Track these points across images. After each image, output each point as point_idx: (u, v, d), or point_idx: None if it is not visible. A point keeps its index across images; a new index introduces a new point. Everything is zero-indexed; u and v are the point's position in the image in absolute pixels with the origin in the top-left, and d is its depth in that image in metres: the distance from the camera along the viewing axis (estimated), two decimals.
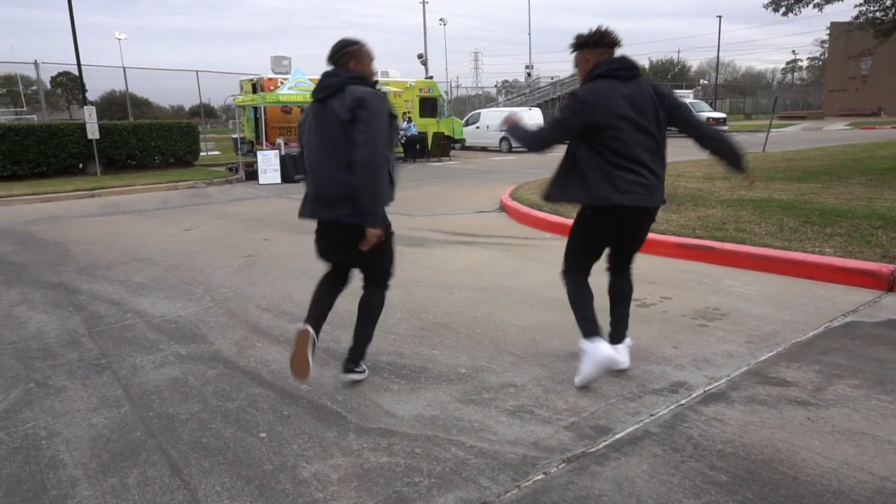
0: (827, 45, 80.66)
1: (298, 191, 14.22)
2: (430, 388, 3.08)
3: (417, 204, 10.13)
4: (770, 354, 3.31)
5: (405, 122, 19.71)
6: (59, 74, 61.69)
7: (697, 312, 4.07)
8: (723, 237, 5.63)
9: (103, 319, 4.42)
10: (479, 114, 25.76)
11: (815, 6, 11.55)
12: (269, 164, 14.81)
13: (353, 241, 2.86)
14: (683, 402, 2.81)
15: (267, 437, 2.64)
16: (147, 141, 17.43)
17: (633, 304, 3.39)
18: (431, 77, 26.69)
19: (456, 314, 4.24)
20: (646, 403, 2.81)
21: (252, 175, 15.29)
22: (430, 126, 21.20)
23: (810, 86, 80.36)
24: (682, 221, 6.42)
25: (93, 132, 16.17)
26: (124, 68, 21.56)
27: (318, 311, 3.10)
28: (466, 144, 24.84)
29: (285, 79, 16.55)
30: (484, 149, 25.05)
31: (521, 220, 7.69)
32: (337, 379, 3.21)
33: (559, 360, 3.37)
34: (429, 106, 21.54)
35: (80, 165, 16.74)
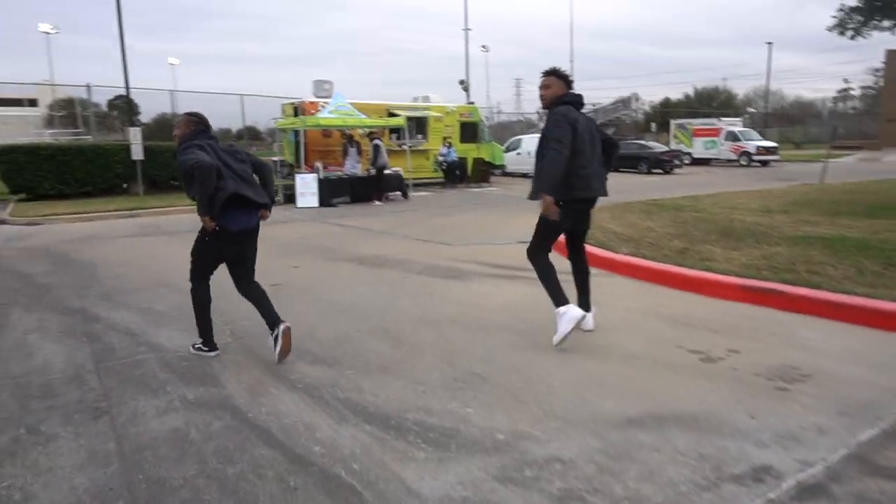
0: (881, 74, 78.54)
1: (335, 215, 14.15)
2: (461, 458, 2.63)
3: (456, 232, 9.75)
4: (873, 433, 2.75)
5: (445, 148, 19.48)
6: (116, 97, 64.37)
7: (773, 371, 3.52)
8: (794, 280, 5.04)
9: (114, 353, 4.13)
10: (521, 140, 25.41)
11: (890, 29, 10.82)
12: (307, 187, 14.70)
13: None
14: (773, 496, 2.28)
15: None
16: None
17: (696, 357, 3.60)
18: (473, 102, 26.54)
19: (494, 361, 3.79)
20: (725, 496, 2.29)
21: (290, 198, 15.20)
22: (471, 151, 20.92)
23: (864, 115, 77.87)
24: (744, 260, 5.84)
25: (137, 153, 16.42)
26: (171, 91, 22.13)
27: None
28: (507, 170, 24.49)
29: (326, 102, 16.54)
30: (525, 175, 24.60)
31: (565, 252, 7.19)
32: (355, 440, 2.79)
33: (614, 427, 2.88)
34: (469, 131, 21.29)
35: (125, 185, 17.01)
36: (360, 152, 15.62)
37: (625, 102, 46.97)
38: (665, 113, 54.06)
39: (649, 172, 25.32)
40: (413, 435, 2.85)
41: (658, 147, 27.22)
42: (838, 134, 39.85)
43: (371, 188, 15.16)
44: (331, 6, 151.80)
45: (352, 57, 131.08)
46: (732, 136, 30.95)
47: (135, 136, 16.48)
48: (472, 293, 5.56)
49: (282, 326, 3.90)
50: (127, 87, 17.49)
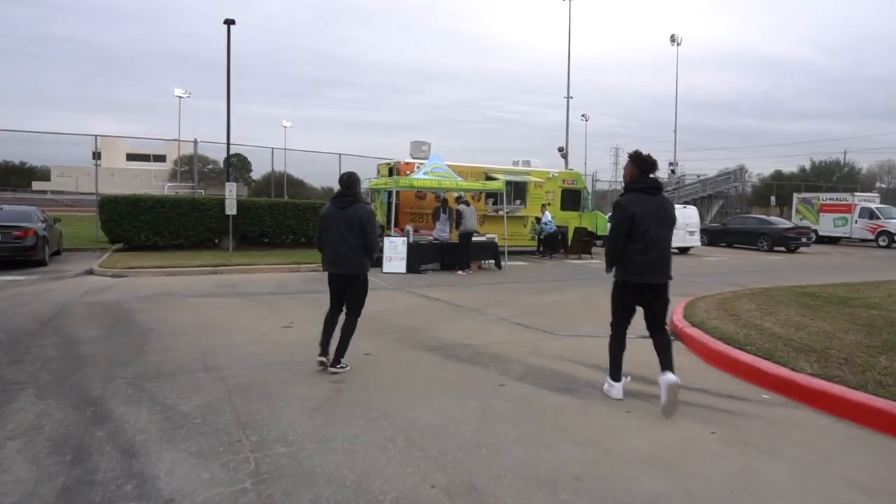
0: None
1: (422, 283, 12.85)
2: None
3: (559, 315, 8.19)
4: None
5: (545, 216, 18.09)
6: (232, 155, 69.18)
7: None
8: None
9: (88, 491, 2.92)
10: None
11: None
12: (395, 251, 13.72)
13: None
14: None
15: None
16: (281, 219, 17.31)
17: None
18: (571, 170, 25.20)
19: None
20: None
21: (378, 262, 14.26)
22: (572, 220, 19.41)
23: None
24: None
25: (230, 208, 16.27)
26: (272, 149, 22.33)
27: None
28: None
29: (422, 163, 15.77)
30: None
31: (713, 361, 5.48)
32: None
33: None
34: (571, 198, 19.85)
35: (217, 240, 16.85)
36: (451, 217, 14.55)
37: (733, 174, 44.10)
38: (778, 186, 50.28)
39: (771, 250, 22.63)
40: None
41: (781, 223, 24.47)
42: None
43: (460, 256, 13.96)
44: (435, 75, 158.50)
45: (455, 125, 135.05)
46: (868, 214, 27.49)
47: (230, 192, 16.38)
48: (595, 425, 3.97)
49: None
50: (228, 144, 17.64)
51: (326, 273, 5.37)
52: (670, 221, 4.26)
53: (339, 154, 23.58)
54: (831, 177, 65.79)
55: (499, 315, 8.08)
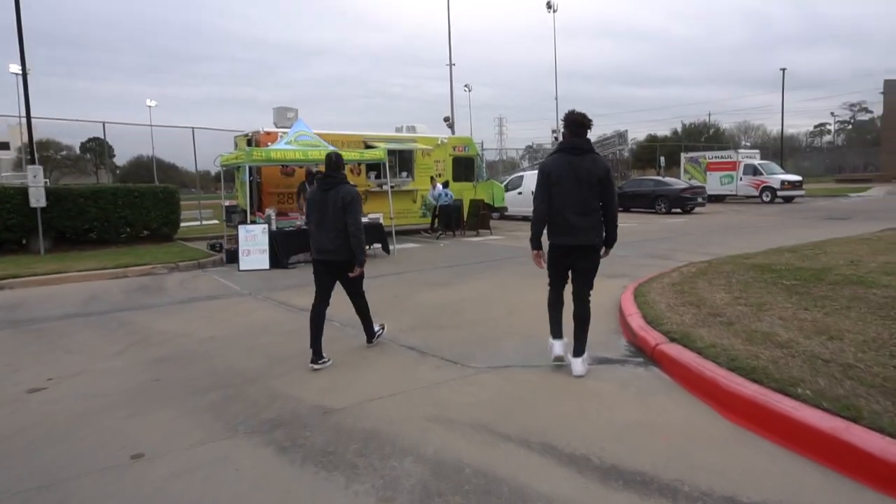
0: (857, 108, 78.70)
1: (288, 283, 8.76)
2: None
3: (469, 324, 5.93)
4: None
5: (436, 188, 15.80)
6: (89, 140, 60.90)
7: None
8: None
9: None
10: (522, 177, 21.90)
11: None
12: (253, 242, 10.86)
13: None
14: None
15: None
16: (110, 210, 13.70)
17: None
18: (461, 136, 23.08)
19: None
20: None
21: (234, 256, 11.32)
22: (467, 192, 17.28)
23: (846, 148, 77.51)
24: None
25: (37, 198, 12.51)
26: (104, 123, 18.24)
27: None
28: (507, 213, 20.90)
29: (286, 132, 12.87)
30: (526, 218, 21.05)
31: (736, 413, 3.33)
32: None
33: None
34: (464, 167, 17.69)
35: (24, 241, 13.01)
36: None
37: (620, 137, 44.30)
38: (654, 150, 51.65)
39: (668, 212, 21.91)
40: None
41: (677, 183, 23.85)
42: (821, 167, 36.88)
43: None
44: (314, 50, 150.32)
45: (337, 101, 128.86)
46: (752, 170, 27.77)
47: (34, 178, 12.58)
48: None
49: None
50: (29, 118, 13.62)
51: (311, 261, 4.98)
52: (589, 181, 4.04)
53: (192, 128, 19.96)
54: (700, 137, 69.19)
55: (392, 334, 5.65)
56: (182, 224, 16.95)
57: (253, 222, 11.68)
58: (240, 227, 11.03)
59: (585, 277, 4.20)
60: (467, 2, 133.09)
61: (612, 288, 7.02)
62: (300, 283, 8.97)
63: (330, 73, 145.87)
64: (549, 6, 44.34)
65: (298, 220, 12.04)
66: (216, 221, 20.65)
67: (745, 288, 5.89)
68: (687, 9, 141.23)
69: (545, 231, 4.18)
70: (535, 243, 4.21)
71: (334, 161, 4.90)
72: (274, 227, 11.18)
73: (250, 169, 14.14)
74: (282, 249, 10.93)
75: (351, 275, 4.79)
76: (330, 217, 4.70)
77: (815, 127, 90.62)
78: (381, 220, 12.39)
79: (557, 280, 4.34)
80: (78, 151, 63.66)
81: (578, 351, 4.17)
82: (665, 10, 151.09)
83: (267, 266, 10.72)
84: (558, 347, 4.34)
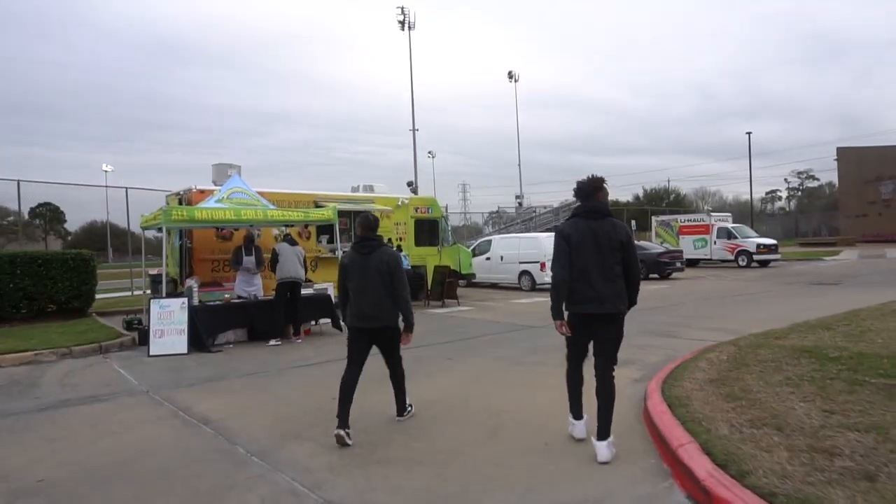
0: (805, 175, 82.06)
1: (202, 375, 5.32)
2: None
3: (425, 463, 4.02)
4: None
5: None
6: (39, 205, 57.91)
7: None
8: None
9: None
10: (490, 241, 20.35)
11: None
12: (168, 321, 8.78)
13: None
14: None
15: None
16: (5, 281, 11.42)
17: None
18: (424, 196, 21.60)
19: None
20: None
21: (147, 336, 9.17)
22: (430, 258, 15.57)
23: (798, 213, 79.94)
24: None
25: None
26: (18, 181, 16.06)
27: None
28: (474, 280, 19.19)
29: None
30: (495, 285, 19.36)
31: None
32: None
33: None
34: (427, 230, 16.03)
35: None
36: (258, 258, 9.93)
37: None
38: (619, 212, 51.63)
39: (646, 278, 20.53)
40: None
41: (653, 247, 22.66)
42: (775, 234, 37.05)
43: (273, 317, 9.40)
44: (278, 117, 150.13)
45: (300, 168, 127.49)
46: (726, 233, 26.92)
47: None
48: None
49: None
50: None
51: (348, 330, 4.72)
52: (611, 246, 3.82)
53: (126, 188, 17.89)
54: (661, 202, 70.04)
55: (315, 474, 3.67)
56: (110, 294, 14.69)
57: (179, 294, 9.68)
58: (152, 301, 8.96)
59: (610, 350, 3.94)
60: (428, 73, 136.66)
61: (618, 381, 5.25)
62: (216, 376, 6.93)
63: (295, 139, 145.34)
64: (510, 76, 45.30)
65: (228, 294, 10.06)
66: (150, 292, 18.35)
67: (823, 390, 4.19)
68: (638, 81, 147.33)
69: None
70: (558, 312, 3.90)
71: (372, 222, 4.75)
72: (196, 301, 9.15)
73: (181, 232, 12.22)
74: (205, 328, 8.88)
75: (404, 344, 4.72)
76: (371, 282, 4.51)
77: (767, 193, 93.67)
78: (331, 292, 10.49)
79: (577, 353, 4.11)
80: (26, 217, 60.41)
81: (603, 434, 3.81)
82: (617, 82, 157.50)
83: (184, 350, 8.63)
84: (579, 429, 4.12)
